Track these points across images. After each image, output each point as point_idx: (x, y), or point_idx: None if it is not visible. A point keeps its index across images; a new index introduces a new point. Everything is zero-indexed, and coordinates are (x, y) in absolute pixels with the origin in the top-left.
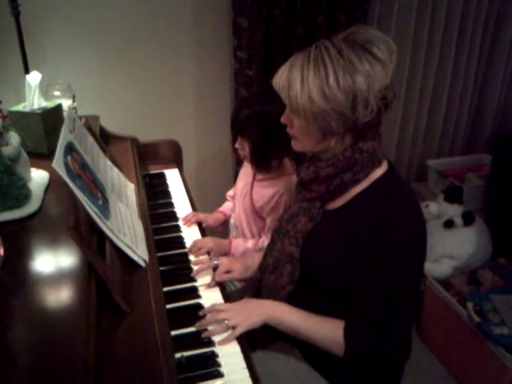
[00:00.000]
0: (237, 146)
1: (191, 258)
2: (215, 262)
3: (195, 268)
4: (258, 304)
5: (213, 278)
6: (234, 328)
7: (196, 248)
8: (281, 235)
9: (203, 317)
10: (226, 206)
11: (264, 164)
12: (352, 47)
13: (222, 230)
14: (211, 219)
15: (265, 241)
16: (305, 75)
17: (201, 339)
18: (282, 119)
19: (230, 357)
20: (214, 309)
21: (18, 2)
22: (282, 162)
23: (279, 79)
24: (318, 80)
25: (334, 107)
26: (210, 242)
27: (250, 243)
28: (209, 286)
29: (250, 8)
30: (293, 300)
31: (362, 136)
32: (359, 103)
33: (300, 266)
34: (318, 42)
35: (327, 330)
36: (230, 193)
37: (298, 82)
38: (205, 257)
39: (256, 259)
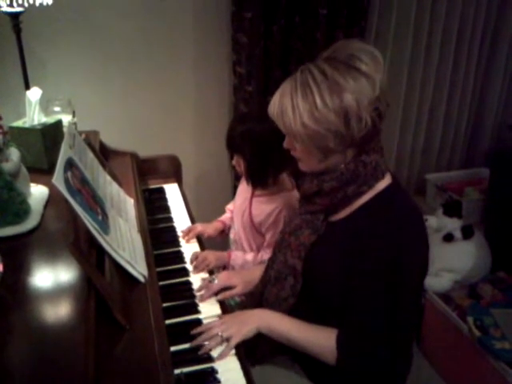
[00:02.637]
0: (233, 163)
1: (191, 272)
2: (215, 282)
3: (198, 294)
4: (250, 313)
5: (207, 290)
6: (228, 340)
7: (198, 263)
8: (283, 248)
9: (200, 333)
10: (226, 217)
11: (259, 181)
12: (335, 66)
13: (220, 239)
14: (210, 229)
15: (264, 255)
16: (294, 102)
17: (200, 355)
18: (285, 144)
19: (230, 373)
20: (207, 326)
21: (19, 19)
22: (278, 178)
23: (273, 108)
24: (307, 105)
25: (328, 128)
26: (210, 255)
27: (249, 256)
28: (202, 298)
29: (249, 24)
30: (294, 313)
31: (363, 149)
32: (352, 120)
33: (302, 278)
34: (303, 66)
35: (319, 337)
36: (230, 206)
37: (289, 110)
38: (205, 274)
39: (255, 273)
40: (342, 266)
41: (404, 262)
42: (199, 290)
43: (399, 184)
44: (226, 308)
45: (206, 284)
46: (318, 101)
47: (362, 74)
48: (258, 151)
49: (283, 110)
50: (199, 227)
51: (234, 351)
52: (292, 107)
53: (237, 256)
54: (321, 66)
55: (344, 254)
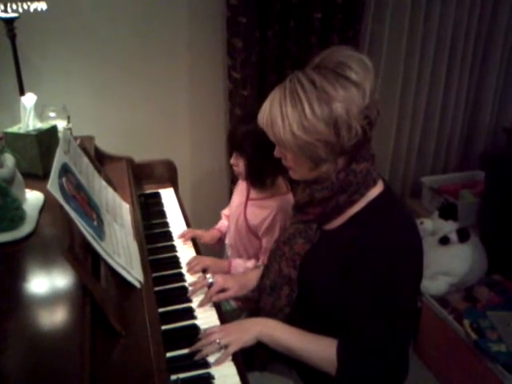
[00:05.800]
0: (232, 161)
1: (187, 277)
2: (210, 281)
3: (190, 289)
4: (250, 322)
5: (205, 296)
6: (226, 348)
7: (193, 263)
8: (277, 257)
9: (198, 339)
10: (222, 224)
11: (259, 181)
12: (324, 75)
13: (218, 247)
14: (207, 236)
15: (264, 260)
16: (283, 111)
17: (196, 361)
18: (275, 153)
19: (227, 378)
20: (207, 332)
21: (13, 25)
22: (276, 180)
23: (262, 117)
24: (296, 114)
25: (318, 138)
26: (207, 260)
27: (250, 263)
28: (201, 304)
29: (244, 29)
30: (291, 322)
31: (354, 157)
32: (341, 129)
33: (297, 287)
34: (292, 74)
35: (320, 348)
36: (226, 211)
37: (278, 119)
38: (199, 274)
39: (251, 276)
40: (337, 275)
41: (398, 271)
42: (192, 284)
43: (391, 191)
44: (222, 313)
45: (201, 282)
46: (307, 110)
47: (351, 82)
48: (259, 150)
49: (273, 119)
50: (197, 231)
51: (230, 357)
52: (281, 116)
53: (238, 264)
54: (309, 75)
55: (338, 263)
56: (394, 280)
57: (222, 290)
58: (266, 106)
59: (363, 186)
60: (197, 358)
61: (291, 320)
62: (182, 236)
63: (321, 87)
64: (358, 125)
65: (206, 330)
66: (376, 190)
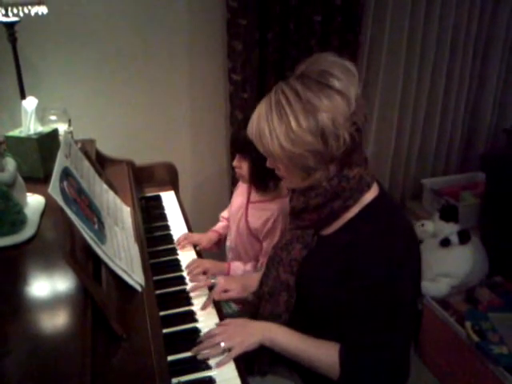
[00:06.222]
0: (235, 163)
1: (188, 280)
2: (212, 281)
3: (191, 285)
4: (254, 325)
5: (208, 298)
6: (229, 350)
7: (193, 267)
8: (275, 263)
9: (200, 341)
10: (220, 225)
11: (262, 183)
12: (308, 85)
13: (216, 250)
14: (204, 241)
15: (263, 263)
16: (270, 124)
17: (198, 364)
18: (268, 164)
19: (228, 382)
20: (210, 334)
21: (14, 29)
22: (279, 183)
23: (251, 130)
24: (282, 127)
25: (306, 148)
26: (207, 262)
27: (249, 266)
28: (204, 306)
29: (244, 31)
30: (290, 328)
31: (345, 163)
32: (329, 138)
33: (295, 294)
34: (277, 85)
35: (321, 351)
36: (224, 214)
37: (266, 132)
38: (202, 276)
39: (253, 279)
40: (334, 280)
41: (395, 274)
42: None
43: (387, 194)
44: (223, 316)
45: (204, 281)
46: (293, 123)
47: (335, 91)
48: (262, 154)
49: (261, 132)
50: (196, 236)
51: (232, 360)
52: (269, 129)
53: (237, 266)
54: (293, 86)
55: (335, 268)
56: (392, 284)
57: (225, 291)
58: (253, 118)
59: (357, 191)
60: (199, 357)
61: (290, 325)
62: (178, 244)
63: (305, 98)
64: (346, 132)
65: (208, 331)
66: (371, 194)
